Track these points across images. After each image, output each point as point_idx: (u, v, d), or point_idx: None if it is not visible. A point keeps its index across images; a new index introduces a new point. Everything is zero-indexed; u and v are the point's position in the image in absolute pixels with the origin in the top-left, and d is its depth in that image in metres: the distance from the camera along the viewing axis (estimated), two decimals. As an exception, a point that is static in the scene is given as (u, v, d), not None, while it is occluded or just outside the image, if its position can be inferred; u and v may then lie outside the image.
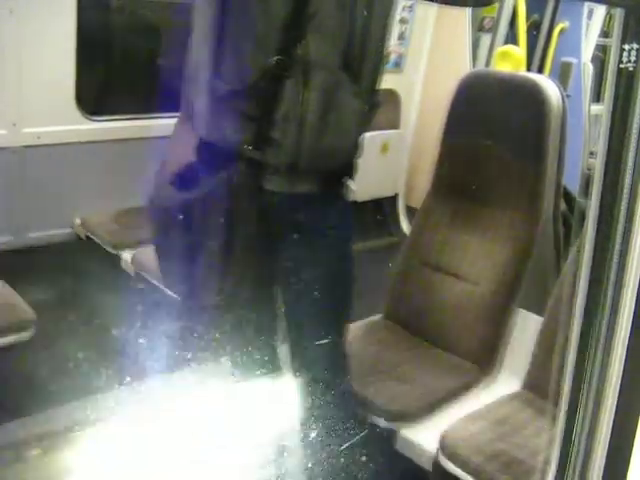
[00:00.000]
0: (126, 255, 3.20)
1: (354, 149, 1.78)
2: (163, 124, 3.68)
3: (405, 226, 4.16)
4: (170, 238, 1.80)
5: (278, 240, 1.81)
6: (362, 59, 1.69)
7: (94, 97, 3.83)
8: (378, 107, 1.79)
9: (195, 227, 1.74)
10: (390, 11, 1.74)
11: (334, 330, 1.88)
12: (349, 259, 1.86)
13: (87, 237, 3.42)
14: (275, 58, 1.61)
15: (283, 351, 2.14)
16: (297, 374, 1.95)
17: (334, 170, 1.77)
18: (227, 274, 1.72)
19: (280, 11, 1.60)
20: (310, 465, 1.95)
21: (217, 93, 1.69)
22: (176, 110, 3.64)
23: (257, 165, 1.68)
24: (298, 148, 1.65)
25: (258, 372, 2.16)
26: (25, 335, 2.35)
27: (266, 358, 2.14)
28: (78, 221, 3.50)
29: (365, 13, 1.66)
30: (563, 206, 2.45)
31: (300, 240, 1.79)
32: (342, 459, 1.94)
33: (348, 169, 1.81)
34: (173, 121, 3.63)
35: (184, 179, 1.85)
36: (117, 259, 3.23)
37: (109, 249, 3.27)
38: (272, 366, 2.16)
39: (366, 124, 1.78)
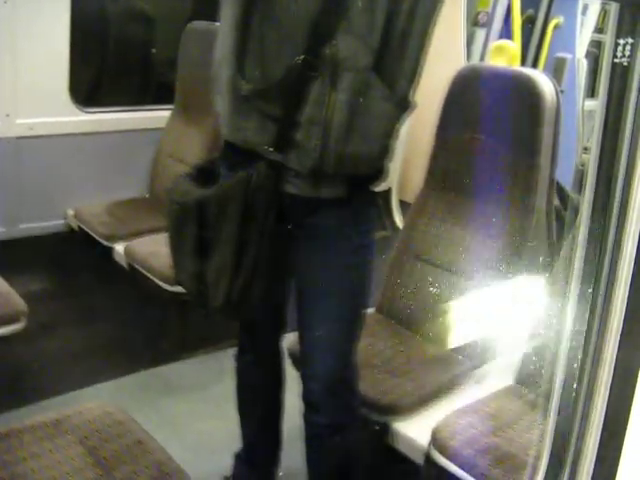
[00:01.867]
0: (119, 247, 3.19)
1: (383, 153, 1.71)
2: (156, 116, 3.69)
3: (398, 220, 4.16)
4: (184, 234, 1.76)
5: (293, 244, 1.77)
6: (397, 61, 1.63)
7: (87, 88, 3.82)
8: (411, 111, 1.72)
9: (209, 225, 1.69)
10: (433, 13, 1.63)
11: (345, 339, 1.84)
12: (366, 273, 1.80)
13: (80, 228, 3.41)
14: (301, 57, 1.55)
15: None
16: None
17: (361, 175, 1.72)
18: (238, 275, 1.67)
19: (309, 8, 1.54)
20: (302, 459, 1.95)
21: (240, 91, 1.64)
22: (170, 102, 3.65)
23: (278, 167, 1.64)
24: (322, 152, 1.59)
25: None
26: (17, 327, 2.35)
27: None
28: (71, 212, 3.50)
29: (404, 14, 1.59)
30: (556, 201, 2.46)
31: (316, 245, 1.75)
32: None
33: (377, 174, 1.75)
34: (166, 113, 3.64)
35: (203, 175, 1.81)
36: (110, 251, 3.22)
37: (102, 241, 3.26)
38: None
39: (397, 128, 1.71)
